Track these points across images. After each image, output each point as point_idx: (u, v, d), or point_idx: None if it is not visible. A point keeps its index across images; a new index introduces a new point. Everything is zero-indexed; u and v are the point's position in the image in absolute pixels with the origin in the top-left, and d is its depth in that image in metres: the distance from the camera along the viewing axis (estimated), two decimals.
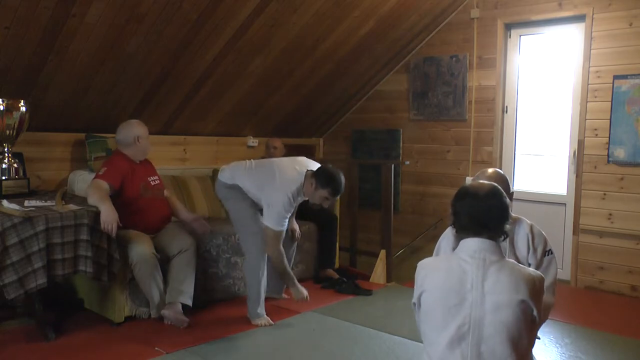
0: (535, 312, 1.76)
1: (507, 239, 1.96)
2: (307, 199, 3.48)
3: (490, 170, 2.55)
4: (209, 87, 4.35)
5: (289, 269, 3.55)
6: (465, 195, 1.91)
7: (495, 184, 1.95)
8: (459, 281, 1.79)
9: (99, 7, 3.15)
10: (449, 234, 2.43)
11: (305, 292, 3.55)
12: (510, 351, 1.72)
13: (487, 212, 1.85)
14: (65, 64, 3.46)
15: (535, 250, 2.39)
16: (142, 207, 3.54)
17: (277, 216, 3.36)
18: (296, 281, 3.56)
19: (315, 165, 3.56)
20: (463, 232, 1.88)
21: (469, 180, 4.72)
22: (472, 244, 1.83)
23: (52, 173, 3.95)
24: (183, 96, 4.32)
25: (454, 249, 1.93)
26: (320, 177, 3.37)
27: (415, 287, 1.92)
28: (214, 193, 4.58)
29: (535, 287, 1.77)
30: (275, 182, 3.39)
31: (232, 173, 3.59)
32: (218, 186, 3.66)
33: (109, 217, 3.12)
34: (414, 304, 1.93)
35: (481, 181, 2.03)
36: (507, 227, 1.88)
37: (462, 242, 1.87)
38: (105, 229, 3.10)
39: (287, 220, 3.44)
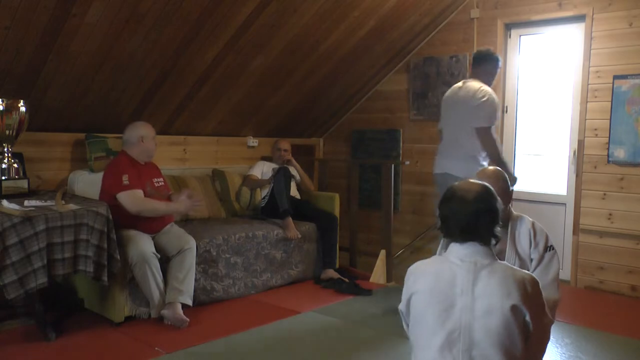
0: (527, 317, 1.68)
1: (499, 241, 1.85)
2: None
3: (490, 168, 2.55)
4: (209, 87, 4.35)
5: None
6: (452, 198, 1.79)
7: (486, 184, 1.83)
8: (449, 285, 1.72)
9: (99, 7, 3.15)
10: None
11: None
12: (500, 356, 1.66)
13: (475, 218, 1.74)
14: (65, 64, 3.46)
15: (537, 245, 2.42)
16: None
17: (485, 114, 3.59)
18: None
19: None
20: (451, 237, 1.79)
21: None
22: (462, 248, 1.75)
23: (52, 173, 3.95)
24: (183, 96, 4.31)
25: (445, 249, 1.88)
26: (492, 63, 3.78)
27: (403, 291, 1.85)
28: (214, 192, 4.61)
29: (526, 291, 1.68)
30: (469, 96, 3.67)
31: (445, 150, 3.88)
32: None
33: (185, 208, 3.63)
34: (401, 311, 1.87)
35: (471, 181, 1.89)
36: (498, 230, 1.79)
37: (451, 245, 1.79)
38: (194, 209, 3.77)
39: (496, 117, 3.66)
